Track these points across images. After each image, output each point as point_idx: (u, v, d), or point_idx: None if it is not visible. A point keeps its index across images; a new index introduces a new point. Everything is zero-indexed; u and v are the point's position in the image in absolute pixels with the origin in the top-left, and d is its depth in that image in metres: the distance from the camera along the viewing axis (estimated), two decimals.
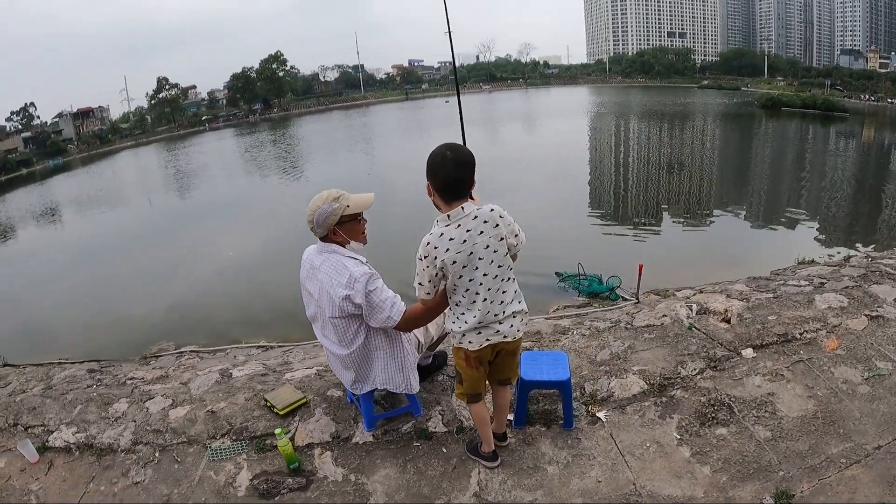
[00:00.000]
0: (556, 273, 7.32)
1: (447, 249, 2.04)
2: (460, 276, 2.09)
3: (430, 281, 2.13)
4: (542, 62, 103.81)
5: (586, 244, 9.52)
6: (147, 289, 9.12)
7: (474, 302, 2.13)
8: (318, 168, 23.17)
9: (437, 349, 3.45)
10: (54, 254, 13.75)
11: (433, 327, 2.80)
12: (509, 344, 2.26)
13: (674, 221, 11.39)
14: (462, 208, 2.03)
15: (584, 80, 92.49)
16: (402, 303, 2.39)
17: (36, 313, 8.70)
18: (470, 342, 2.21)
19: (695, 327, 3.74)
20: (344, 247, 2.39)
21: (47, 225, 19.81)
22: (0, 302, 9.82)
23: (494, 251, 2.08)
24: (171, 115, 77.83)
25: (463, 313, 2.18)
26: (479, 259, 2.06)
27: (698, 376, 3.13)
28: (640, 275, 5.27)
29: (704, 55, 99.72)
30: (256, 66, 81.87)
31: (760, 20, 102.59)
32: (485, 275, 2.09)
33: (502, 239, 2.08)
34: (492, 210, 2.07)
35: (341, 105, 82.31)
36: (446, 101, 58.95)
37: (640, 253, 8.83)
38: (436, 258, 2.05)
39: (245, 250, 10.58)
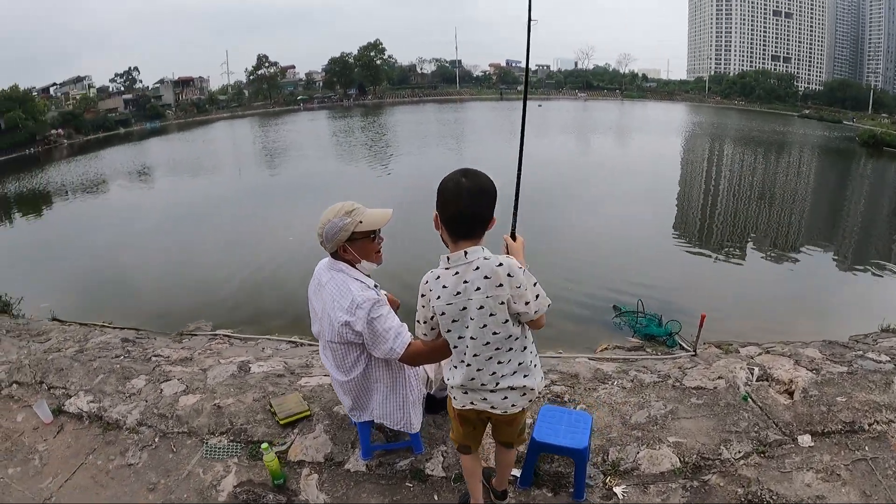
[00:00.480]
0: (614, 307, 6.88)
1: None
2: (448, 331, 1.81)
3: (425, 322, 1.87)
4: (640, 74, 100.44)
5: (661, 267, 8.97)
6: (210, 263, 9.41)
7: (462, 361, 1.85)
8: (407, 160, 22.82)
9: None
10: (135, 215, 14.64)
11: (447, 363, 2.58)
12: (500, 416, 1.94)
13: (755, 258, 10.53)
14: (465, 253, 1.70)
15: (681, 97, 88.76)
16: (409, 334, 2.15)
17: (101, 272, 9.25)
18: (454, 398, 1.97)
19: (751, 398, 3.28)
20: (354, 266, 2.20)
21: (135, 186, 21.26)
22: (71, 256, 10.55)
23: (490, 315, 1.72)
24: (268, 92, 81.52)
25: (455, 366, 1.91)
26: (471, 319, 1.74)
27: (741, 461, 2.72)
28: (700, 326, 4.79)
29: (808, 83, 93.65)
30: (355, 52, 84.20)
31: (869, 52, 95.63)
32: (472, 338, 1.77)
33: (504, 303, 1.70)
34: (499, 265, 1.69)
35: (435, 98, 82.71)
36: (539, 105, 59.98)
37: (714, 287, 8.18)
38: (429, 300, 1.79)
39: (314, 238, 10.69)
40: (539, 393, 2.00)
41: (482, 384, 1.85)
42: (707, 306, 7.10)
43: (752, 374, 3.64)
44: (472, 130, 36.78)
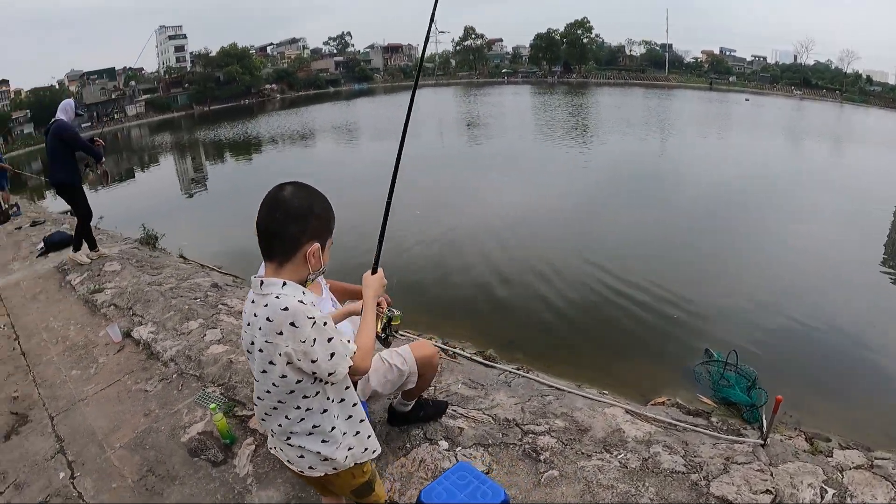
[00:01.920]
0: (706, 351, 5.75)
1: (242, 318, 1.56)
2: (248, 359, 1.57)
3: None
4: (864, 76, 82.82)
5: (833, 304, 6.98)
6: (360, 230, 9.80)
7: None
8: (603, 148, 20.69)
9: (425, 396, 3.17)
10: (329, 169, 16.06)
11: (375, 376, 2.53)
12: (302, 474, 1.63)
13: None
14: (261, 283, 1.43)
15: None
16: None
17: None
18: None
19: None
20: None
21: (337, 142, 23.79)
22: (248, 198, 12.16)
23: (269, 362, 1.43)
24: (474, 63, 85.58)
25: None
26: (255, 359, 1.50)
27: None
28: (774, 412, 3.89)
29: None
30: (562, 28, 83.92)
31: None
32: (257, 381, 1.54)
33: (282, 355, 1.40)
34: (284, 309, 1.36)
35: (642, 82, 78.10)
36: (746, 99, 54.52)
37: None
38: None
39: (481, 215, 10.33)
40: (356, 464, 1.65)
41: (273, 432, 1.60)
42: (863, 369, 5.62)
43: (822, 497, 2.76)
44: (676, 123, 33.16)
